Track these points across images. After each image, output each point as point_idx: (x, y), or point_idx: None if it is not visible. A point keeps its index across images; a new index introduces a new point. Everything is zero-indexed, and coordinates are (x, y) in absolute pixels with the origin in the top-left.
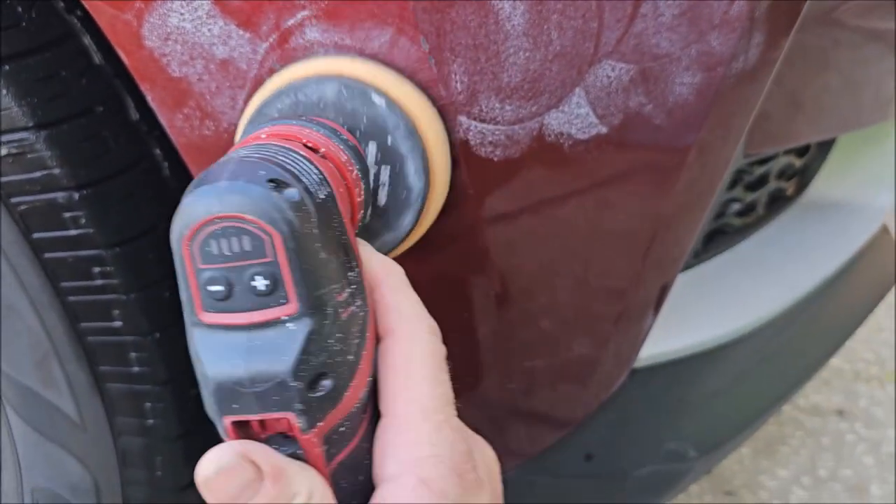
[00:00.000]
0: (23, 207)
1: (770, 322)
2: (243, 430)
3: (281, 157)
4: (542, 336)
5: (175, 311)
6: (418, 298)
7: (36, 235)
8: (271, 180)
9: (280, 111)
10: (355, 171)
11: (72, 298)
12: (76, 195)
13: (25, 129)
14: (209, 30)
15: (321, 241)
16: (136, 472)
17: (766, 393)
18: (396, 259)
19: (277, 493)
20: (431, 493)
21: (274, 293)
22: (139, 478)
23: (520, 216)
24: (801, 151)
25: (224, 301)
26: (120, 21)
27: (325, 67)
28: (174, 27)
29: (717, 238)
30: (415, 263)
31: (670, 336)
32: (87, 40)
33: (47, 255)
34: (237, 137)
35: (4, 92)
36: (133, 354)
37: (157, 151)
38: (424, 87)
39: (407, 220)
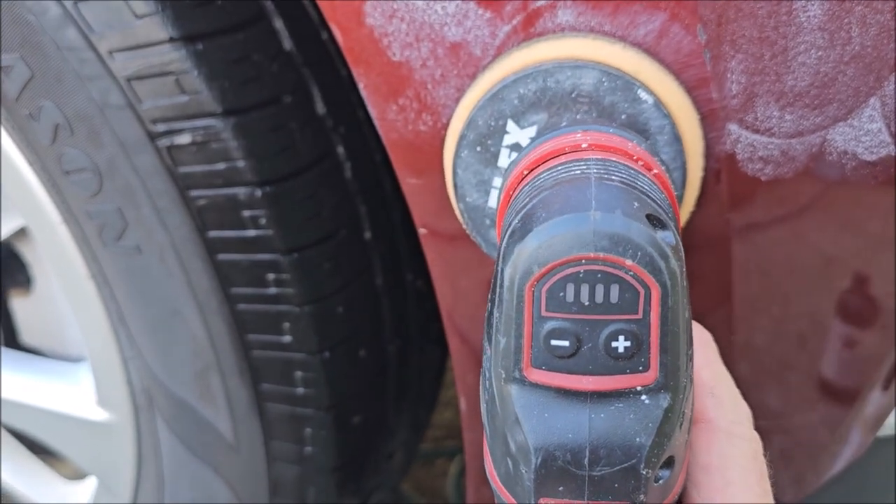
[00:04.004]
0: (201, 202)
1: None
2: None
3: (639, 183)
4: (774, 386)
5: (347, 330)
6: (729, 374)
7: (211, 234)
8: (649, 216)
9: (522, 97)
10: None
11: (241, 306)
12: (258, 192)
13: (213, 115)
14: (443, 7)
15: (687, 297)
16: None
17: None
18: None
19: None
20: None
21: (633, 357)
22: None
23: (776, 244)
24: None
25: (566, 359)
26: None
27: (579, 51)
28: (402, 3)
29: None
30: None
31: None
32: (278, 24)
33: (221, 256)
34: (459, 124)
35: (196, 73)
36: (299, 374)
37: (341, 150)
38: (691, 87)
39: None
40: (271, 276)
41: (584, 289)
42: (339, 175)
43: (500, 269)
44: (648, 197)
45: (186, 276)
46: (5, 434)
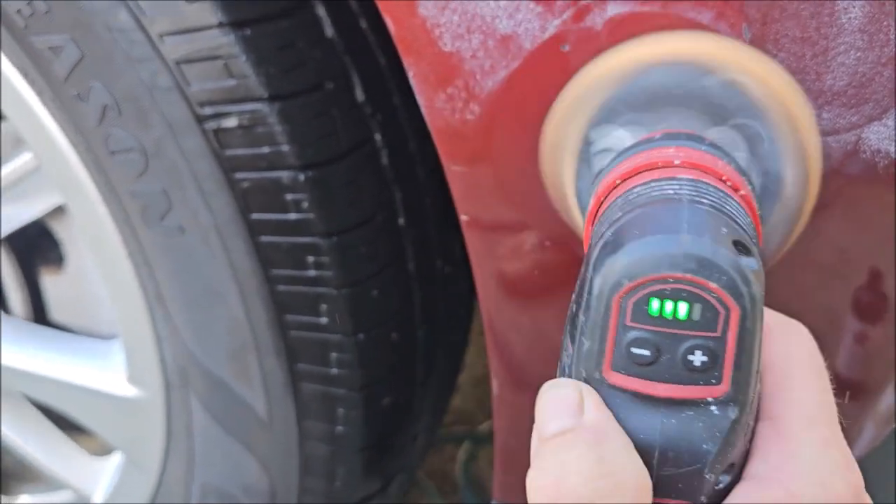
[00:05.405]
0: (245, 185)
1: None
2: None
3: (727, 207)
4: None
5: (381, 313)
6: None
7: (254, 216)
8: (735, 242)
9: (632, 101)
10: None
11: (281, 288)
12: (301, 176)
13: (259, 100)
14: (495, 1)
15: (762, 319)
16: (315, 481)
17: None
18: None
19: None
20: None
21: (707, 371)
22: (317, 487)
23: (799, 240)
24: None
25: (644, 367)
26: None
27: (695, 50)
28: None
29: None
30: None
31: None
32: (320, 11)
33: (263, 238)
34: (559, 128)
35: (244, 58)
36: (334, 355)
37: (378, 137)
38: None
39: (776, 240)
40: (311, 258)
41: (669, 305)
42: (376, 162)
43: (590, 276)
44: (735, 222)
45: (228, 257)
46: (34, 410)
